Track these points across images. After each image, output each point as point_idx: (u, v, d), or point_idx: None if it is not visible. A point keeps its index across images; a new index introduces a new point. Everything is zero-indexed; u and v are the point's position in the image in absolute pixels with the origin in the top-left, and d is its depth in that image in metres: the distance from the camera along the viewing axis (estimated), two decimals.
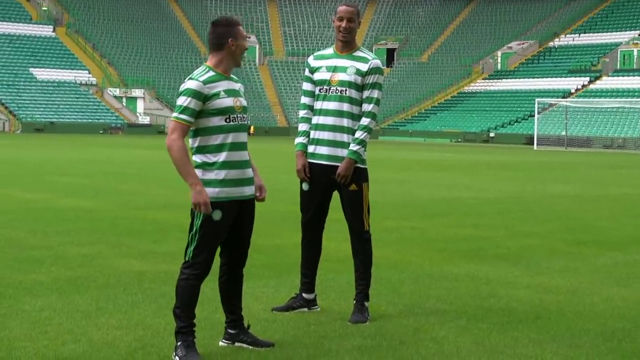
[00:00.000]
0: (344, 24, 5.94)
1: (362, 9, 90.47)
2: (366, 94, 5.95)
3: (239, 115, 4.97)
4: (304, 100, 6.15)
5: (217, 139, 4.90)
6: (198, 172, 4.90)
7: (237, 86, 5.08)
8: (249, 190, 5.04)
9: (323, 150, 5.96)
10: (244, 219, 5.06)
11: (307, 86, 6.13)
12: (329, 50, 6.14)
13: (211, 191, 4.87)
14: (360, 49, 6.04)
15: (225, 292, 5.16)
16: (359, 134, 5.92)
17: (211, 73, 4.95)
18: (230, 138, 4.93)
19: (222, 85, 4.93)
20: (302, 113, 6.17)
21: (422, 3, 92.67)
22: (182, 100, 4.85)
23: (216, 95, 4.88)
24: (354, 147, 5.89)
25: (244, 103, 5.06)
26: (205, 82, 4.87)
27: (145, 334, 5.32)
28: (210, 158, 4.91)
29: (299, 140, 6.08)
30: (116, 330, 5.39)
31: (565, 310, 6.31)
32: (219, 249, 5.07)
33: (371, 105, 5.95)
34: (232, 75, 5.10)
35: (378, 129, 65.74)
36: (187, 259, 4.91)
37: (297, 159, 6.04)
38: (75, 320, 5.63)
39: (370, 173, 6.15)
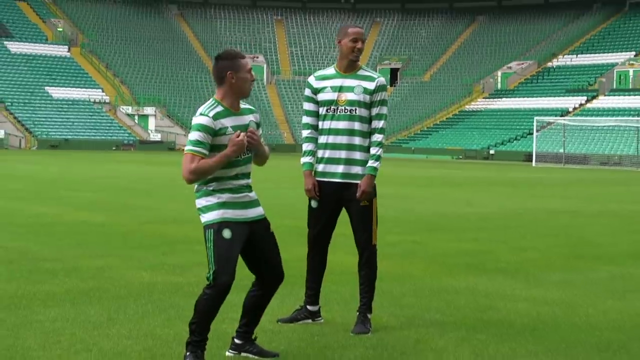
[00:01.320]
0: (359, 45, 6.04)
1: (367, 30, 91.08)
2: (375, 111, 6.06)
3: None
4: (307, 120, 6.18)
5: (220, 172, 4.97)
6: (202, 200, 5.00)
7: (248, 119, 5.09)
8: (252, 213, 5.09)
9: (338, 168, 6.03)
10: (261, 237, 5.12)
11: (309, 106, 6.17)
12: (330, 70, 6.19)
13: (215, 214, 4.96)
14: (362, 68, 6.13)
15: (251, 305, 5.23)
16: (375, 150, 6.04)
17: (219, 108, 5.00)
18: (233, 172, 5.01)
19: (228, 122, 4.99)
20: (305, 133, 6.19)
21: (424, 25, 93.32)
22: (196, 135, 4.89)
23: (223, 131, 4.95)
24: (373, 163, 6.02)
25: None
26: (214, 118, 4.94)
27: (154, 344, 5.39)
28: (212, 186, 5.00)
29: (306, 160, 6.13)
30: (127, 340, 5.46)
31: (562, 322, 6.39)
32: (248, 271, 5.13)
33: (382, 122, 6.08)
34: (245, 106, 5.13)
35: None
36: (208, 282, 4.97)
37: (306, 178, 6.09)
38: (87, 331, 5.71)
39: (377, 188, 6.25)
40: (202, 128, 4.91)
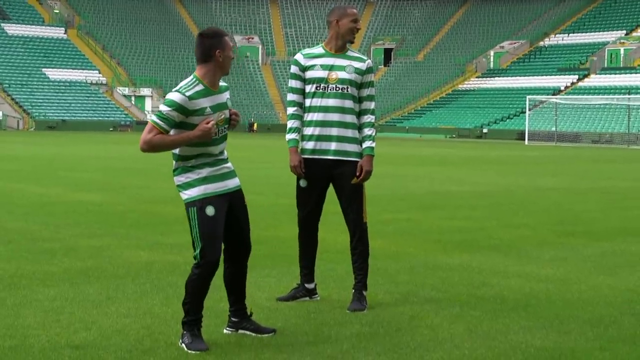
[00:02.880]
0: (358, 25, 6.12)
1: (361, 11, 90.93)
2: (366, 92, 6.10)
3: (220, 128, 5.04)
4: (293, 97, 6.15)
5: (197, 150, 4.99)
6: (181, 177, 5.01)
7: (225, 97, 5.11)
8: (232, 183, 5.12)
9: (330, 145, 6.04)
10: (236, 211, 5.14)
11: (296, 84, 6.15)
12: (319, 49, 6.18)
13: (197, 190, 4.98)
14: (350, 50, 6.17)
15: (230, 282, 5.28)
16: (370, 131, 6.08)
17: (199, 87, 4.96)
18: (209, 149, 5.02)
19: (208, 101, 4.97)
20: (291, 110, 6.16)
21: (417, 5, 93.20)
22: (165, 109, 4.88)
23: (201, 111, 4.93)
24: (371, 144, 6.05)
25: (227, 115, 5.09)
26: (190, 98, 4.90)
27: (153, 322, 5.44)
28: (189, 163, 5.01)
29: (291, 136, 6.09)
30: (125, 319, 5.51)
31: (555, 298, 6.44)
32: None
33: (373, 103, 6.13)
34: (222, 84, 5.13)
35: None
36: (196, 261, 5.01)
37: (292, 155, 6.05)
38: (86, 309, 5.76)
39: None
40: (174, 105, 4.87)
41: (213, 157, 5.06)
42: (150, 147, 4.90)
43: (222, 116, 5.04)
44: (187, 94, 4.90)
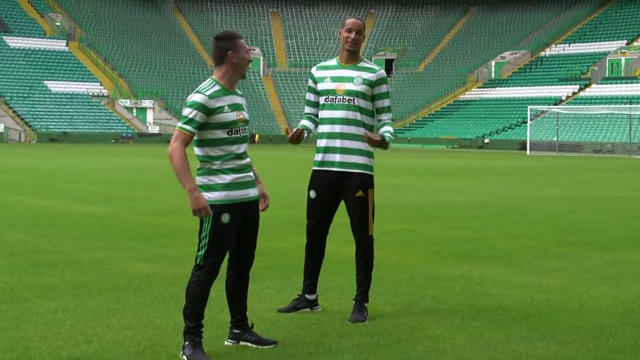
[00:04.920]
0: (352, 35, 6.08)
1: None
2: (384, 103, 6.14)
3: (240, 128, 5.12)
4: (307, 110, 6.30)
5: (220, 151, 5.06)
6: (204, 178, 5.07)
7: (241, 100, 5.22)
8: (252, 192, 5.20)
9: (335, 157, 6.07)
10: (249, 222, 5.21)
11: (309, 96, 6.29)
12: (332, 62, 6.26)
13: (217, 195, 5.04)
14: (363, 60, 6.19)
15: (231, 292, 5.31)
16: (389, 128, 6.12)
17: (217, 87, 5.10)
18: (232, 149, 5.09)
19: (226, 100, 5.09)
20: (306, 115, 6.30)
21: (418, 15, 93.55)
22: (187, 112, 5.02)
23: (220, 110, 5.04)
24: (389, 129, 6.10)
25: (247, 117, 5.21)
26: (210, 97, 5.03)
27: (154, 334, 5.44)
28: (215, 165, 5.07)
29: (301, 123, 6.22)
30: (126, 331, 5.51)
31: (556, 308, 6.44)
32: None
33: (389, 114, 6.18)
34: (236, 90, 5.23)
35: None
36: (197, 262, 5.06)
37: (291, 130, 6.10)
38: (87, 322, 5.76)
39: (375, 178, 6.29)
40: (197, 106, 5.01)
41: (237, 161, 5.11)
42: (170, 157, 5.01)
43: (241, 116, 5.13)
44: (207, 93, 5.04)
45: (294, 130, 6.07)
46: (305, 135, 6.16)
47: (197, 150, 5.14)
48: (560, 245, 10.08)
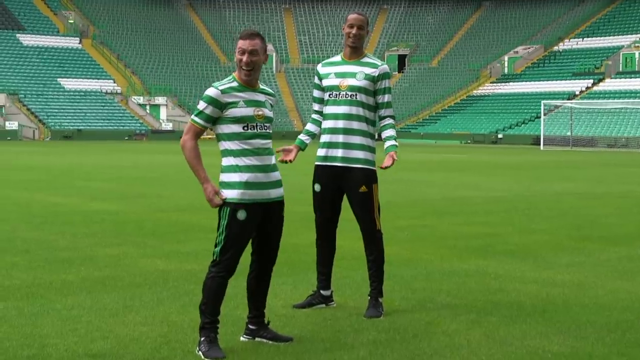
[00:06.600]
0: (354, 30, 6.10)
1: (374, 18, 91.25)
2: (384, 98, 6.14)
3: (259, 124, 5.11)
4: (314, 106, 6.36)
5: (238, 145, 5.09)
6: (224, 176, 5.10)
7: (263, 97, 5.20)
8: (275, 193, 5.21)
9: (337, 152, 6.10)
10: (273, 221, 5.23)
11: (316, 93, 6.32)
12: (337, 58, 6.28)
13: (235, 192, 5.06)
14: (367, 56, 6.20)
15: (251, 289, 5.33)
16: (392, 132, 6.15)
17: (234, 84, 5.14)
18: (251, 145, 5.09)
19: (242, 96, 5.11)
20: (312, 116, 6.38)
21: (431, 11, 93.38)
22: (200, 105, 5.11)
23: (234, 104, 5.07)
24: (393, 142, 6.13)
25: (268, 114, 5.17)
26: (223, 92, 5.07)
27: (170, 330, 5.45)
28: (234, 161, 5.09)
29: (300, 136, 6.30)
30: (142, 327, 5.53)
31: (571, 303, 6.43)
32: (250, 248, 5.23)
33: (390, 109, 6.18)
34: (262, 87, 5.25)
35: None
36: (214, 258, 5.08)
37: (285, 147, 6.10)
38: (103, 318, 5.78)
39: (383, 173, 6.30)
40: (208, 99, 5.10)
41: (257, 158, 5.10)
42: (182, 149, 5.14)
43: (260, 112, 5.14)
44: (220, 88, 5.11)
45: (286, 151, 6.02)
46: (301, 151, 6.19)
47: (219, 146, 5.17)
48: (575, 240, 10.06)
